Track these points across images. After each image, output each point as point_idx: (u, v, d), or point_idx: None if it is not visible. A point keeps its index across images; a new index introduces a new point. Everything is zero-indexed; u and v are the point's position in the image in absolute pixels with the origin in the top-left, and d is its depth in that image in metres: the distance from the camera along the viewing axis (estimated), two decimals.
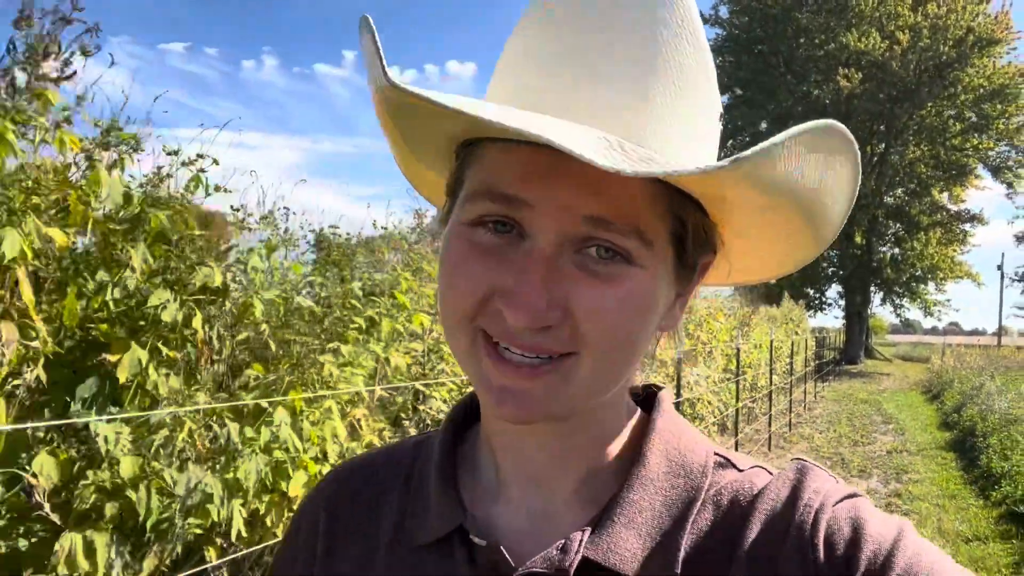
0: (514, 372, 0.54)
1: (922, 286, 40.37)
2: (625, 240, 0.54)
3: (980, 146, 36.83)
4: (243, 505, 2.90)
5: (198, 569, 2.86)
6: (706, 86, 0.60)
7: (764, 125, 38.13)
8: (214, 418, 2.63)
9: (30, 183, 1.97)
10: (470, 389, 0.73)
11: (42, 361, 2.11)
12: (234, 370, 3.03)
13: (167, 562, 2.55)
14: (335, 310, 3.61)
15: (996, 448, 9.87)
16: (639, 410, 0.70)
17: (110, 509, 2.29)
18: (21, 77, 1.99)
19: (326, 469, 3.39)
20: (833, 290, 43.90)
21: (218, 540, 3.06)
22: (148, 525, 2.35)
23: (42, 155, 2.25)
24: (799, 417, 14.91)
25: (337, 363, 3.33)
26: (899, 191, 39.40)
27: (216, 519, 2.74)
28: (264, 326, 2.87)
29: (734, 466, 0.65)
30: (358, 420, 3.78)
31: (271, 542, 3.18)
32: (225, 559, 3.01)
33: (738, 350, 9.78)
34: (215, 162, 2.72)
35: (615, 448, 0.66)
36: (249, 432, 2.75)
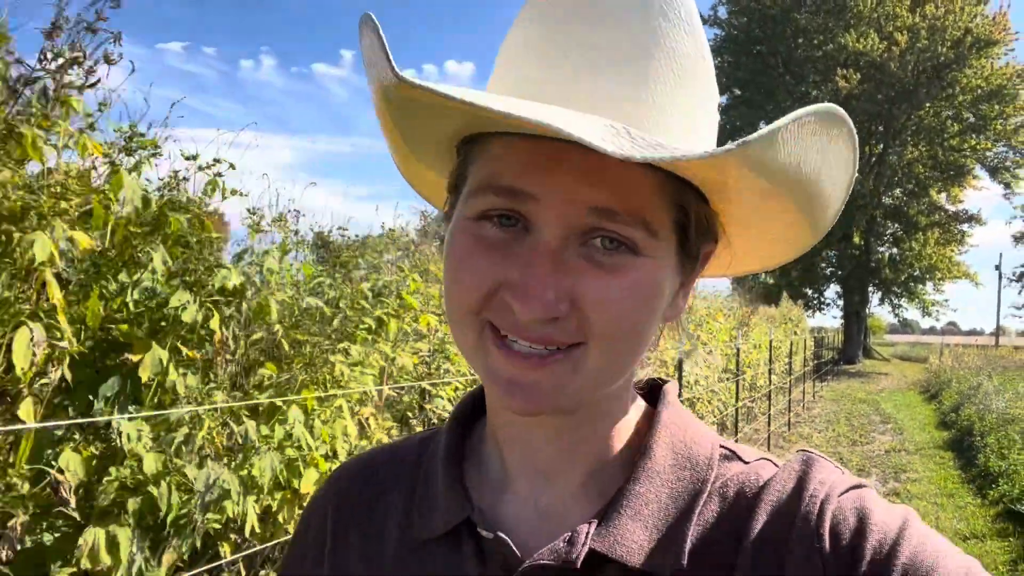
0: (522, 363, 0.55)
1: (920, 286, 40.47)
2: (631, 230, 0.54)
3: (978, 147, 36.94)
4: (256, 501, 2.96)
5: (212, 565, 2.92)
6: (704, 76, 0.60)
7: (763, 125, 37.95)
8: (231, 416, 2.69)
9: (58, 188, 2.03)
10: (475, 386, 0.75)
11: (67, 361, 2.17)
12: (247, 369, 3.10)
13: (184, 557, 2.61)
14: (344, 310, 3.68)
15: (993, 447, 9.94)
16: (644, 404, 0.70)
17: (132, 504, 2.35)
18: (48, 85, 2.05)
19: (335, 466, 3.45)
20: (831, 290, 44.05)
21: (232, 536, 3.12)
22: (168, 520, 2.41)
23: (64, 160, 2.31)
24: (798, 417, 14.97)
25: (347, 363, 3.40)
26: (897, 191, 39.51)
27: (231, 515, 2.80)
28: (277, 326, 2.93)
29: (740, 458, 0.65)
30: (366, 419, 3.84)
31: (283, 539, 3.25)
32: (239, 555, 3.08)
33: (738, 350, 9.85)
34: (231, 166, 2.79)
35: (621, 441, 0.66)
36: (264, 430, 2.81)
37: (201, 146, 2.83)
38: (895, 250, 40.48)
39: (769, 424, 11.94)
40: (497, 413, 0.67)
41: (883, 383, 25.41)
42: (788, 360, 15.78)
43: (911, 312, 44.62)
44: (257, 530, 3.04)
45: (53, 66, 2.05)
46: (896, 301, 41.57)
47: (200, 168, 2.75)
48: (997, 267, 54.44)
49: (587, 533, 0.59)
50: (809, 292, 42.46)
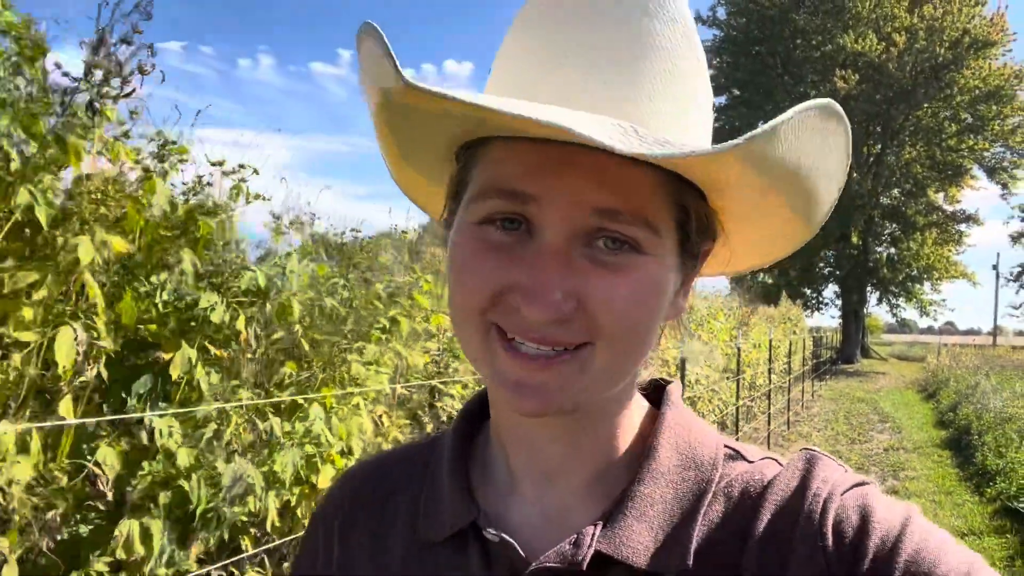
0: (530, 364, 0.55)
1: (918, 286, 40.61)
2: (634, 229, 0.54)
3: (976, 147, 37.11)
4: (276, 496, 3.06)
5: (235, 558, 3.01)
6: (699, 75, 0.61)
7: (762, 125, 38.28)
8: (255, 413, 2.79)
9: (98, 195, 2.13)
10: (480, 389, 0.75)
11: (104, 360, 2.26)
12: (266, 368, 3.19)
13: (211, 549, 2.71)
14: (358, 310, 3.77)
15: (991, 446, 10.03)
16: (648, 405, 0.71)
17: (163, 498, 2.44)
18: (82, 97, 2.15)
19: (351, 463, 3.55)
20: (830, 290, 44.19)
21: (252, 530, 3.22)
22: (198, 513, 2.50)
23: (97, 166, 2.40)
24: (797, 416, 15.06)
25: (362, 362, 3.49)
26: (895, 191, 39.64)
27: (252, 509, 2.89)
28: (298, 326, 3.02)
29: (744, 458, 0.65)
30: (379, 417, 3.94)
31: (301, 533, 3.34)
32: (259, 548, 3.17)
33: (739, 349, 9.95)
34: (255, 172, 2.88)
35: (626, 442, 0.66)
36: (286, 427, 2.91)
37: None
38: (893, 250, 40.62)
39: (769, 423, 12.03)
40: (502, 415, 0.67)
41: (881, 382, 25.52)
42: (787, 359, 15.86)
43: (909, 312, 44.69)
44: (277, 524, 3.14)
45: (96, 79, 2.14)
46: (894, 301, 41.72)
47: (224, 173, 2.84)
48: (995, 267, 54.62)
49: (592, 535, 0.59)
50: (807, 292, 42.59)
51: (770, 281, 37.97)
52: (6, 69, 1.97)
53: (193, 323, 2.56)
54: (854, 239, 38.69)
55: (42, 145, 1.95)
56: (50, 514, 2.19)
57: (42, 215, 1.91)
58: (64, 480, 2.22)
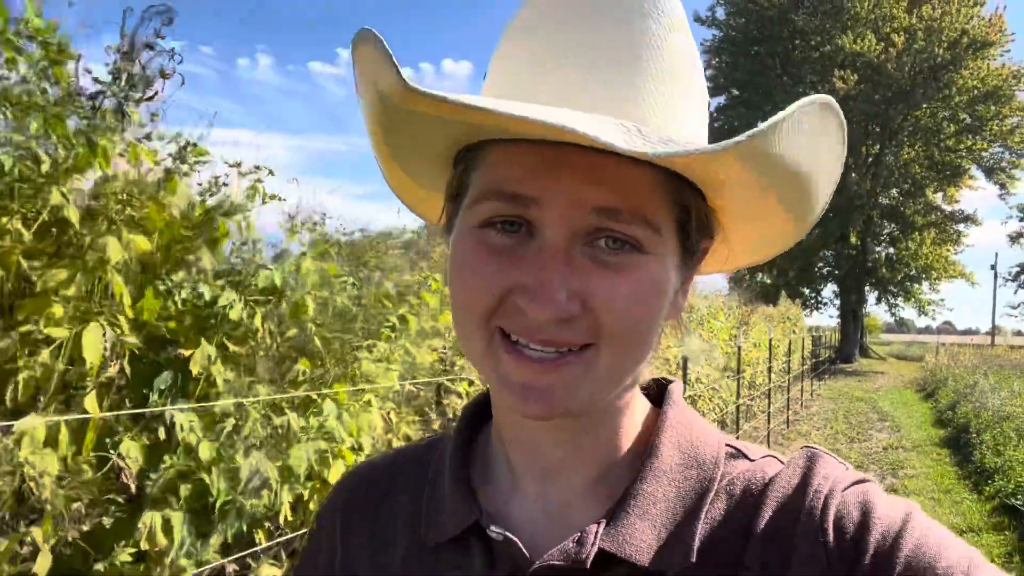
0: (536, 367, 0.55)
1: (916, 286, 40.71)
2: (634, 229, 0.55)
3: (974, 147, 37.22)
4: (289, 490, 3.12)
5: (249, 551, 3.08)
6: (695, 76, 0.62)
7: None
8: (272, 408, 2.86)
9: (124, 195, 2.19)
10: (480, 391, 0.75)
11: (127, 356, 2.32)
12: (280, 365, 3.25)
13: (229, 540, 2.77)
14: (367, 307, 3.84)
15: (989, 444, 10.09)
16: (650, 404, 0.71)
17: (184, 491, 2.51)
18: (109, 102, 2.22)
19: (361, 458, 3.62)
20: (828, 289, 44.29)
21: (266, 524, 3.28)
22: (218, 505, 2.57)
23: (119, 167, 2.47)
24: (796, 415, 15.13)
25: (373, 359, 3.56)
26: (894, 191, 39.75)
27: (267, 503, 2.96)
28: (311, 324, 3.09)
29: (745, 456, 0.66)
30: (387, 414, 4.01)
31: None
32: (273, 542, 3.24)
33: (739, 348, 10.02)
34: (271, 173, 2.95)
35: (628, 441, 0.66)
36: (300, 422, 2.97)
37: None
38: (891, 250, 40.72)
39: (769, 422, 12.10)
40: (504, 417, 0.68)
41: (880, 382, 25.59)
42: (786, 358, 15.93)
43: (907, 311, 44.85)
44: (290, 518, 3.20)
45: (124, 83, 2.20)
46: (892, 300, 41.81)
47: (240, 174, 2.91)
48: (993, 267, 54.74)
49: (596, 533, 0.60)
50: (806, 291, 42.68)
51: (769, 281, 38.08)
52: (36, 74, 2.04)
53: (213, 320, 2.63)
54: (853, 239, 38.79)
55: (72, 147, 2.01)
56: (75, 505, 2.26)
57: (73, 215, 1.97)
58: (89, 473, 2.29)
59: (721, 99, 42.71)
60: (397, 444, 3.95)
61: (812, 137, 0.56)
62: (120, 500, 2.56)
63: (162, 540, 2.40)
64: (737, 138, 0.49)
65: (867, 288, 41.33)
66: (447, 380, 4.52)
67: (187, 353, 2.51)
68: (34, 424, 1.98)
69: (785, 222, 0.65)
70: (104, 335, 2.07)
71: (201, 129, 2.65)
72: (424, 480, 0.72)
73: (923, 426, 14.41)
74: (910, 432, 13.56)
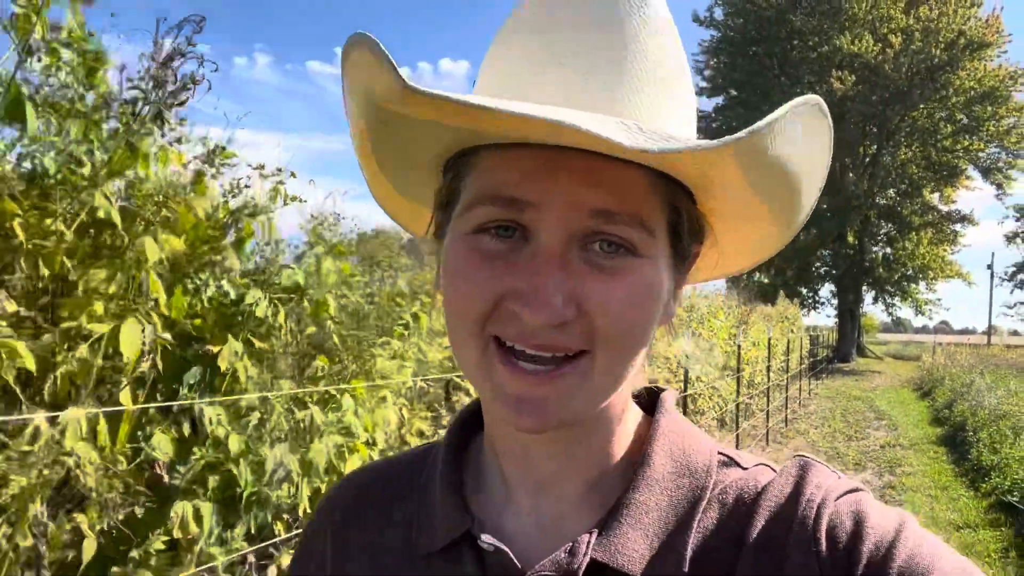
0: (531, 379, 0.55)
1: (913, 285, 40.86)
2: (629, 231, 0.55)
3: (971, 147, 37.39)
4: (308, 483, 3.22)
5: (269, 542, 3.17)
6: (685, 76, 0.62)
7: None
8: (294, 402, 2.95)
9: (160, 197, 2.28)
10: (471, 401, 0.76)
11: (160, 351, 2.42)
12: (300, 361, 3.35)
13: (253, 531, 2.87)
14: (380, 305, 3.93)
15: (986, 442, 10.24)
16: (642, 412, 0.70)
17: (212, 481, 2.61)
18: (147, 108, 2.31)
19: (376, 453, 3.72)
20: (826, 289, 44.46)
21: (285, 516, 3.38)
22: (245, 496, 2.66)
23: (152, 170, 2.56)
24: (794, 413, 15.25)
25: (387, 356, 3.66)
26: (891, 192, 39.91)
27: (286, 496, 3.06)
28: (329, 322, 3.19)
29: (738, 464, 0.65)
30: (400, 409, 4.11)
31: None
32: (291, 534, 3.33)
33: (739, 347, 10.13)
34: (293, 175, 3.05)
35: (620, 450, 0.66)
36: (322, 416, 3.07)
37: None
38: (889, 250, 40.88)
39: (768, 420, 12.21)
40: (497, 428, 0.67)
41: (877, 381, 25.72)
42: (785, 358, 16.04)
43: (904, 311, 44.99)
44: (308, 511, 3.30)
45: (166, 90, 2.30)
46: (889, 300, 41.96)
47: (262, 176, 3.00)
48: (989, 267, 54.98)
49: (588, 543, 0.59)
50: (804, 291, 42.82)
51: (767, 280, 38.21)
52: (76, 79, 2.13)
53: (239, 318, 2.72)
54: (850, 239, 38.94)
55: (110, 151, 2.11)
56: (111, 494, 2.35)
57: (116, 217, 2.07)
58: (124, 464, 2.38)
59: (719, 99, 42.92)
60: (411, 439, 4.05)
61: (805, 137, 0.57)
62: (147, 491, 2.65)
63: (194, 529, 2.50)
64: (737, 134, 0.49)
65: (864, 288, 41.48)
66: (456, 376, 4.62)
67: (215, 349, 2.60)
68: (76, 416, 2.07)
69: (771, 224, 0.65)
70: (143, 331, 2.16)
71: (228, 132, 2.74)
72: (416, 488, 0.72)
73: (920, 424, 14.53)
74: (907, 430, 13.68)
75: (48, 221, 2.05)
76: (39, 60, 2.13)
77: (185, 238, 2.60)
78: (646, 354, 0.61)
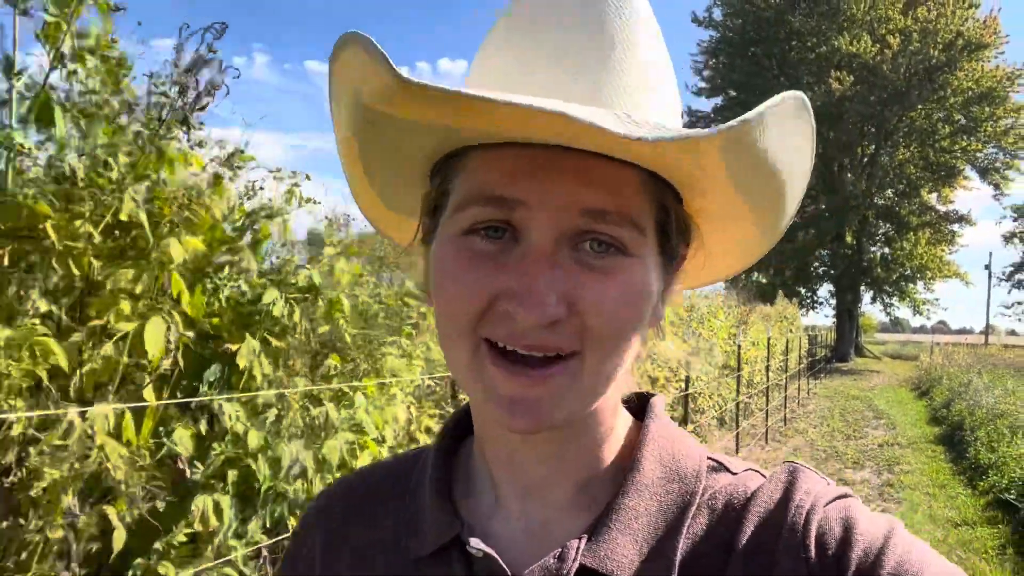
0: (524, 380, 0.55)
1: (911, 285, 40.94)
2: (620, 230, 0.54)
3: (968, 148, 37.50)
4: (321, 479, 3.29)
5: (282, 537, 3.25)
6: (668, 71, 0.62)
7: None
8: (309, 400, 3.03)
9: (184, 200, 2.35)
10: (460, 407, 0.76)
11: (181, 349, 2.49)
12: (313, 359, 3.42)
13: (268, 525, 2.94)
14: (388, 304, 4.01)
15: (984, 441, 10.31)
16: (632, 417, 0.70)
17: (231, 476, 2.68)
18: (173, 113, 2.38)
19: (385, 450, 3.79)
20: (824, 289, 44.58)
21: (297, 511, 3.46)
22: (263, 490, 2.74)
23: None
24: (793, 413, 15.32)
25: (397, 355, 3.74)
26: (889, 192, 40.02)
27: (303, 489, 3.13)
28: (342, 321, 3.26)
29: (727, 470, 0.65)
30: (408, 407, 4.18)
31: None
32: None
33: (739, 347, 10.20)
34: (308, 177, 3.12)
35: (610, 455, 0.66)
36: (336, 413, 3.15)
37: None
38: (887, 250, 40.96)
39: (767, 419, 12.28)
40: (487, 432, 0.66)
41: (875, 380, 25.80)
42: (784, 357, 16.12)
43: (902, 311, 45.15)
44: None
45: (190, 96, 2.37)
46: (887, 300, 42.04)
47: (276, 179, 3.08)
48: (987, 267, 55.09)
49: (577, 548, 0.59)
50: (802, 291, 42.92)
51: (765, 280, 38.31)
52: (104, 85, 2.20)
53: (256, 317, 2.79)
54: (848, 239, 39.04)
55: (137, 155, 2.18)
56: (138, 487, 2.42)
57: (145, 219, 2.14)
58: (148, 458, 2.45)
59: (718, 100, 43.00)
60: (419, 436, 4.12)
61: (791, 132, 0.57)
62: (164, 485, 2.72)
63: (214, 522, 2.57)
64: (729, 123, 0.49)
65: (862, 288, 41.57)
66: None
67: (234, 347, 2.67)
68: (104, 411, 2.14)
69: (755, 224, 0.65)
70: (168, 329, 2.24)
71: (246, 135, 2.81)
72: (407, 492, 0.72)
73: (918, 424, 14.61)
74: (905, 430, 13.76)
75: (77, 223, 2.12)
76: (67, 66, 2.20)
77: (204, 239, 2.67)
78: (635, 356, 0.61)
